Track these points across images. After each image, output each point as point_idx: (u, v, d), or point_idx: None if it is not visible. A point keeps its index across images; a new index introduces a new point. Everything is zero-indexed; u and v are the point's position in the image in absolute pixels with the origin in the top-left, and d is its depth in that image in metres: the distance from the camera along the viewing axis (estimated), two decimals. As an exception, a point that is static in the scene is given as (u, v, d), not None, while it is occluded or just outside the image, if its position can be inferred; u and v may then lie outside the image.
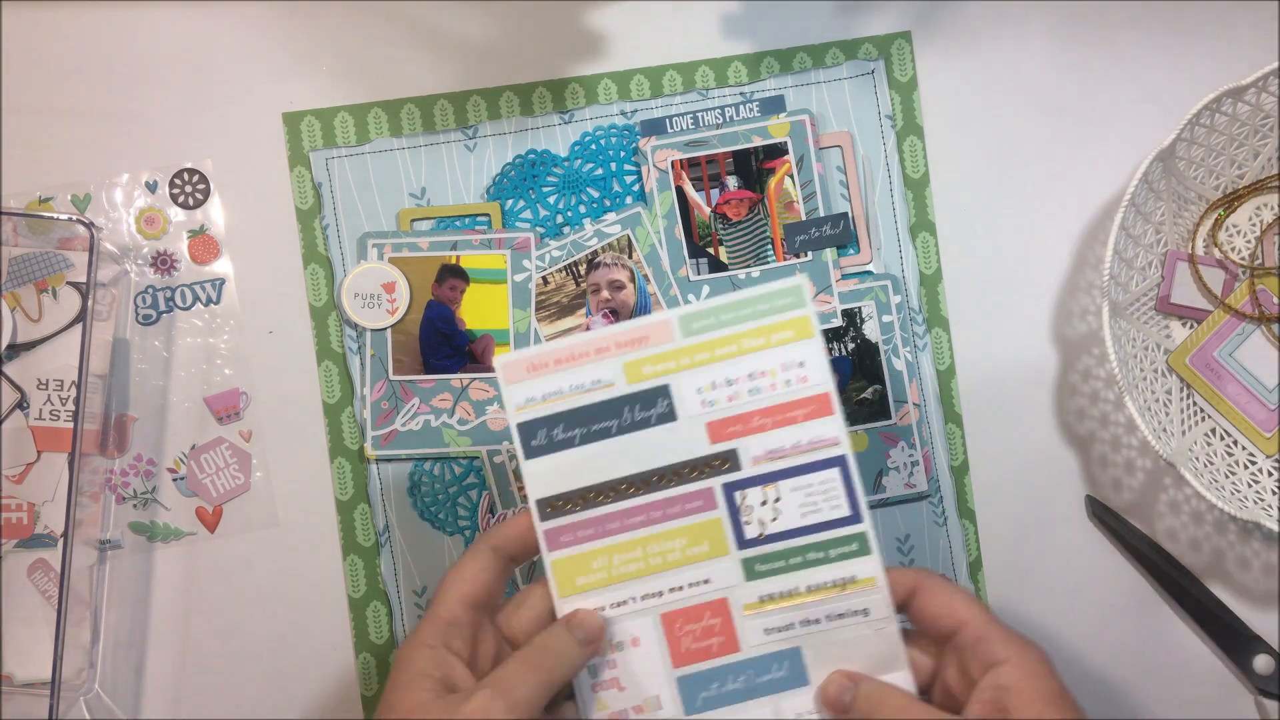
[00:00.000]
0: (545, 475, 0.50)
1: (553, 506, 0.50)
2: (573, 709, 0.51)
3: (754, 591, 0.50)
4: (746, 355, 0.50)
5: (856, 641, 0.50)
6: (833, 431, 0.50)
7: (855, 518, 0.50)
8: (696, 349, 0.50)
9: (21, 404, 0.62)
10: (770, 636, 0.50)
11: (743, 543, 0.50)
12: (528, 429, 0.50)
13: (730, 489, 0.50)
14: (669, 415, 0.50)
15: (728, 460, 0.50)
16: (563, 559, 0.50)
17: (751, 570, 0.50)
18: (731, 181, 0.63)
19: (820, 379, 0.50)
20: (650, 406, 0.50)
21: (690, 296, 0.63)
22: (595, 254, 0.63)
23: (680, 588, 0.50)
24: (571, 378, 0.50)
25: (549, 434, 0.50)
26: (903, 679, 0.50)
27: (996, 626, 0.48)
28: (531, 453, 0.50)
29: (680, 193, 0.63)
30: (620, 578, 0.50)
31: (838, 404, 0.50)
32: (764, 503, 0.50)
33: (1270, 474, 0.62)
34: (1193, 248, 0.64)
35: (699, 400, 0.50)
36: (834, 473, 0.50)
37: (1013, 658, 0.46)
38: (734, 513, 0.50)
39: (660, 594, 0.50)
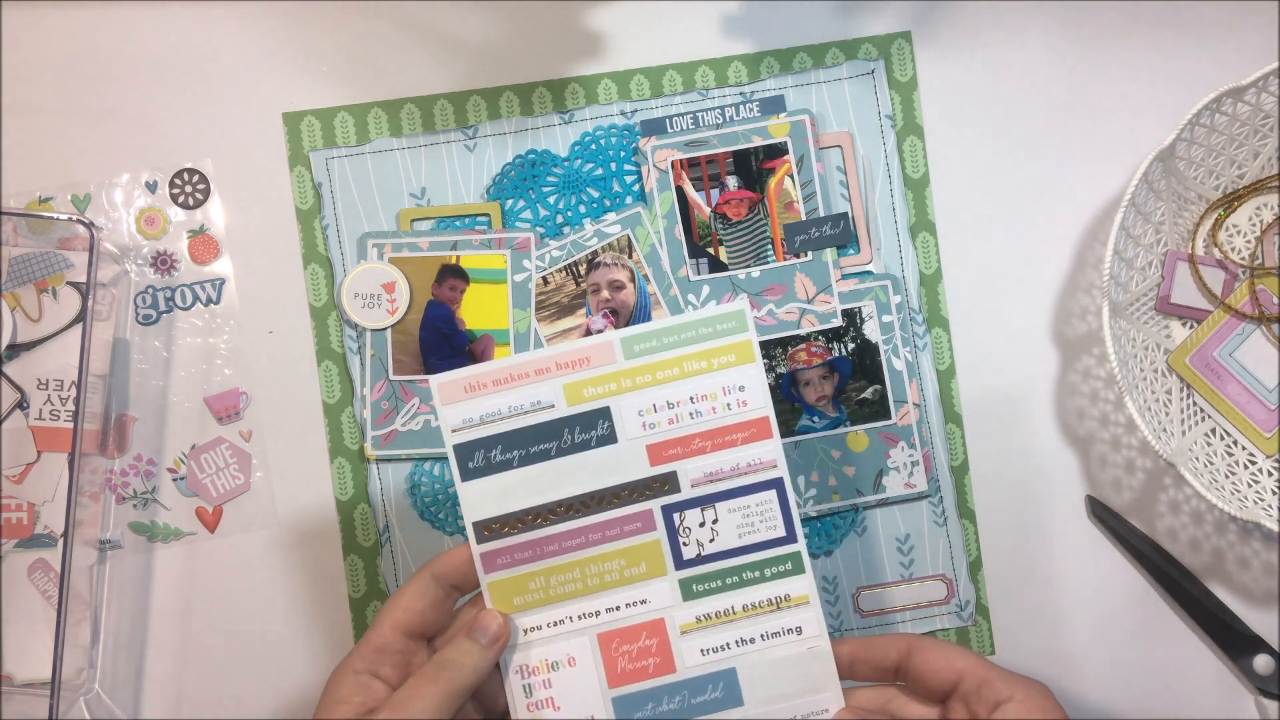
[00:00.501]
0: (482, 497, 0.50)
1: (489, 529, 0.50)
2: None
3: (690, 612, 0.51)
4: (688, 378, 0.50)
5: (790, 661, 0.50)
6: (771, 454, 0.50)
7: (790, 538, 0.51)
8: (638, 371, 0.50)
9: (21, 404, 0.62)
10: (706, 657, 0.50)
11: (680, 563, 0.51)
12: (464, 450, 0.50)
13: (669, 511, 0.51)
14: (609, 437, 0.50)
15: (667, 482, 0.50)
16: (499, 580, 0.51)
17: (689, 590, 0.51)
18: (731, 181, 0.63)
19: (760, 402, 0.50)
20: (590, 428, 0.50)
21: (690, 296, 0.63)
22: (595, 254, 0.63)
23: (617, 608, 0.51)
24: (510, 399, 0.50)
25: (486, 456, 0.50)
26: (833, 699, 0.50)
27: (998, 669, 0.49)
28: (468, 475, 0.50)
29: (680, 193, 0.63)
30: (557, 597, 0.51)
31: (776, 427, 0.50)
32: (702, 524, 0.50)
33: (1270, 474, 0.62)
34: (1193, 248, 0.64)
35: (640, 423, 0.50)
36: (771, 494, 0.50)
37: (1017, 694, 0.48)
38: (672, 534, 0.51)
39: (597, 614, 0.51)
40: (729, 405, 0.50)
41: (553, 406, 0.50)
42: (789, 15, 0.65)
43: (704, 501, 0.50)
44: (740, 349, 0.50)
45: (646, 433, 0.50)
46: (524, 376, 0.50)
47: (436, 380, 0.50)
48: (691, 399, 0.50)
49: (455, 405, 0.50)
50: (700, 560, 0.50)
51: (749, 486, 0.51)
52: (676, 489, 0.50)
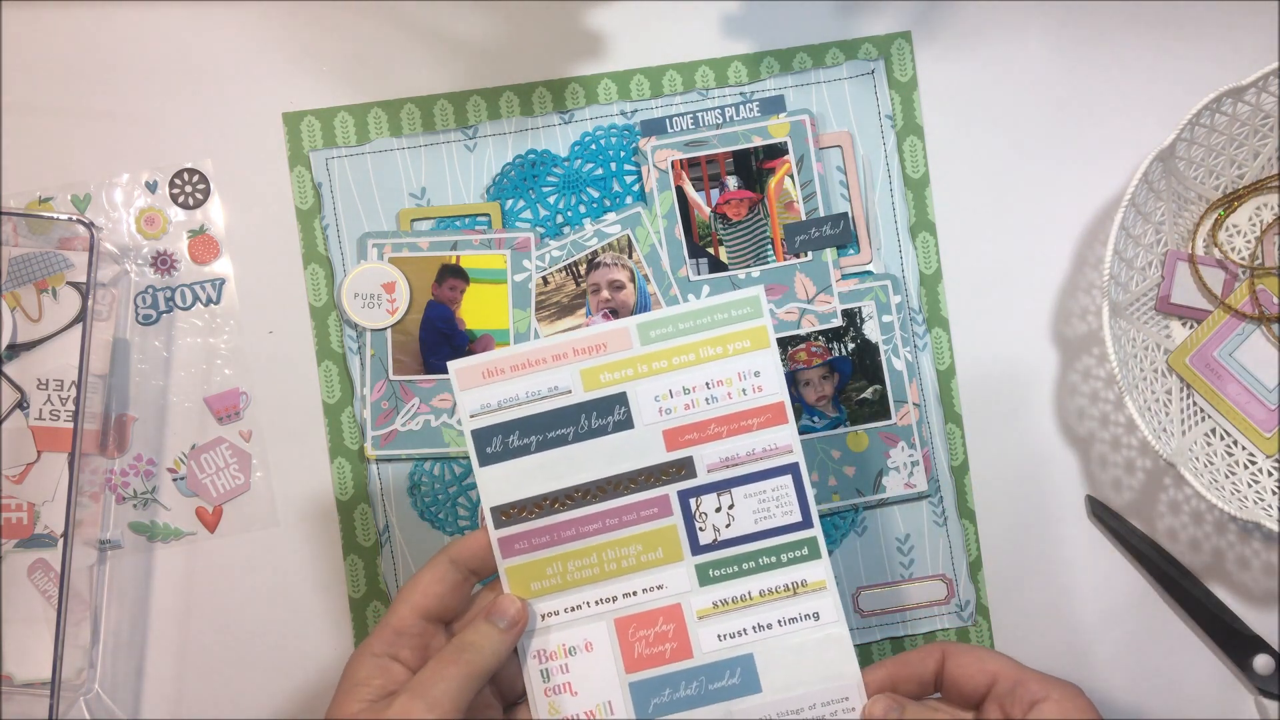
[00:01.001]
0: (500, 482, 0.51)
1: (507, 514, 0.51)
2: (528, 711, 0.51)
3: (707, 597, 0.51)
4: (704, 364, 0.51)
5: (808, 647, 0.51)
6: (786, 439, 0.51)
7: (806, 523, 0.51)
8: (654, 357, 0.51)
9: (21, 404, 0.62)
10: (723, 643, 0.51)
11: (697, 549, 0.51)
12: (482, 436, 0.51)
13: (685, 496, 0.51)
14: (626, 423, 0.51)
15: (683, 467, 0.51)
16: (517, 565, 0.51)
17: (705, 576, 0.51)
18: (731, 181, 0.63)
19: (775, 388, 0.51)
20: (607, 414, 0.51)
21: (690, 296, 0.63)
22: (595, 254, 0.63)
23: (634, 593, 0.51)
24: (527, 384, 0.51)
25: (504, 441, 0.50)
26: (854, 687, 0.50)
27: (1031, 671, 0.49)
28: (486, 460, 0.51)
29: (680, 193, 0.63)
30: (574, 583, 0.51)
31: (791, 413, 0.51)
32: (718, 509, 0.51)
33: (1270, 474, 0.62)
34: (1193, 248, 0.64)
35: (656, 408, 0.51)
36: (786, 479, 0.51)
37: (1052, 694, 0.48)
38: (689, 519, 0.51)
39: (614, 599, 0.51)
40: (744, 390, 0.51)
41: (570, 392, 0.51)
42: (789, 15, 0.65)
43: (720, 487, 0.51)
44: (755, 334, 0.51)
45: (663, 418, 0.51)
46: (541, 362, 0.51)
47: (455, 365, 0.50)
48: (707, 384, 0.51)
49: (473, 390, 0.51)
50: (717, 545, 0.51)
51: (765, 472, 0.51)
52: (693, 474, 0.51)
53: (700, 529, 0.51)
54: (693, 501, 0.51)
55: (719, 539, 0.51)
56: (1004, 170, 0.65)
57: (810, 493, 0.51)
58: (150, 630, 0.63)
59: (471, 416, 0.51)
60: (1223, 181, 0.63)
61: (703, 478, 0.51)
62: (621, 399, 0.51)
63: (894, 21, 0.65)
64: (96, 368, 0.61)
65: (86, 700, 0.62)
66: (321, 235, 0.64)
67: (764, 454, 0.51)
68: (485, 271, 0.63)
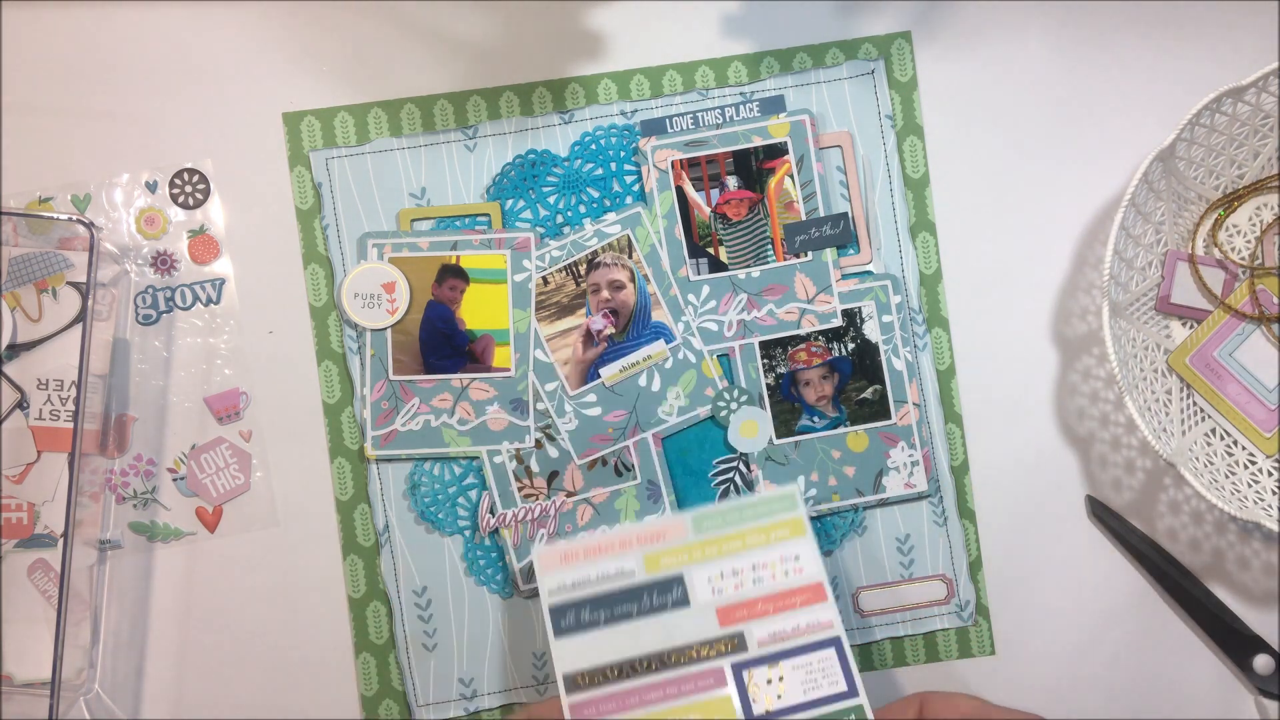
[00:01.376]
0: (572, 653, 0.54)
1: (578, 681, 0.54)
2: None
3: None
4: (750, 550, 0.56)
5: None
6: (828, 615, 0.54)
7: (852, 692, 0.53)
8: (707, 544, 0.56)
9: (21, 404, 0.62)
10: None
11: (751, 719, 0.53)
12: (559, 612, 0.55)
13: (738, 668, 0.54)
14: (683, 601, 0.55)
15: (735, 641, 0.54)
16: None
17: None
18: (731, 181, 0.63)
19: (813, 570, 0.55)
20: (666, 593, 0.55)
21: (690, 297, 0.63)
22: (595, 254, 0.63)
23: None
24: (598, 567, 0.56)
25: (576, 616, 0.55)
26: None
27: (996, 708, 0.53)
28: (561, 632, 0.54)
29: (680, 193, 0.63)
30: None
31: (830, 591, 0.55)
32: (769, 681, 0.53)
33: (1270, 474, 0.62)
34: (1193, 248, 0.64)
35: (710, 588, 0.55)
36: (830, 652, 0.54)
37: None
38: (742, 690, 0.53)
39: None
40: (786, 572, 0.55)
41: (634, 573, 0.55)
42: (789, 15, 0.65)
43: (770, 659, 0.54)
44: (793, 525, 0.56)
45: (715, 596, 0.55)
46: (610, 548, 0.56)
47: (539, 551, 0.56)
48: (754, 567, 0.55)
49: (552, 573, 0.56)
50: (769, 716, 0.53)
51: (810, 645, 0.54)
52: (744, 648, 0.54)
53: (753, 700, 0.53)
54: (745, 673, 0.53)
55: (770, 711, 0.53)
56: (1004, 170, 0.65)
57: (853, 663, 0.53)
58: (150, 630, 0.63)
59: (550, 594, 0.55)
60: (1223, 181, 0.63)
61: (753, 651, 0.54)
62: (679, 580, 0.55)
63: (894, 21, 0.65)
64: (96, 368, 0.61)
65: (86, 700, 0.62)
66: (321, 235, 0.64)
67: (808, 629, 0.54)
68: (485, 271, 0.63)
